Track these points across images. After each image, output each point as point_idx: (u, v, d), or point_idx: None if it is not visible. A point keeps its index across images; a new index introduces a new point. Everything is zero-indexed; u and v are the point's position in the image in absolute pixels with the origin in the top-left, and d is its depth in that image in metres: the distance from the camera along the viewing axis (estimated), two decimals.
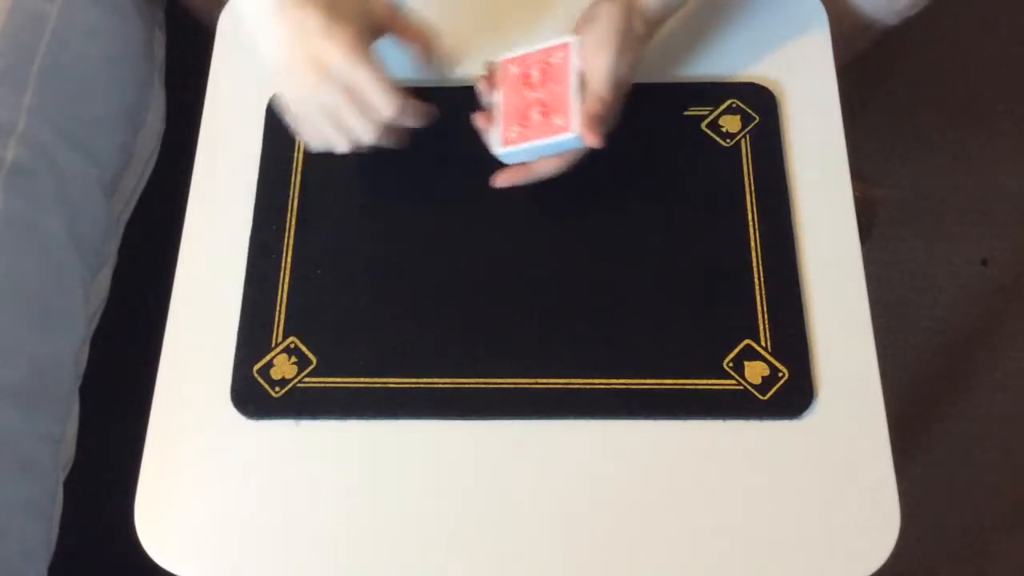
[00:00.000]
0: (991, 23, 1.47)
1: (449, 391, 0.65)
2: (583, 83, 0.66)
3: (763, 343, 0.66)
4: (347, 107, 0.62)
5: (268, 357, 0.67)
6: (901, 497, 0.62)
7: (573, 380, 0.65)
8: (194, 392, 0.66)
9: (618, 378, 0.65)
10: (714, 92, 0.75)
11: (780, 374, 0.65)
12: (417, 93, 0.68)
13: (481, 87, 0.71)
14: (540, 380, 0.65)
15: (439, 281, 0.69)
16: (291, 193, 0.73)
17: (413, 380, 0.65)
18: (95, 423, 0.87)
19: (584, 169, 0.73)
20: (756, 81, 0.76)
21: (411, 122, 0.66)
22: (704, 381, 0.65)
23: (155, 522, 0.63)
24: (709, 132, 0.74)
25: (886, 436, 0.63)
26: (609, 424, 0.64)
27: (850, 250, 0.69)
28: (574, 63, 0.66)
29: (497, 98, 0.69)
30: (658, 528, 0.62)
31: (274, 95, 0.76)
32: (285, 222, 0.71)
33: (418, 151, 0.70)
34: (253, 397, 0.66)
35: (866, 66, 1.40)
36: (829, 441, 0.64)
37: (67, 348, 0.82)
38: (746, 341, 0.66)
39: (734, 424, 0.64)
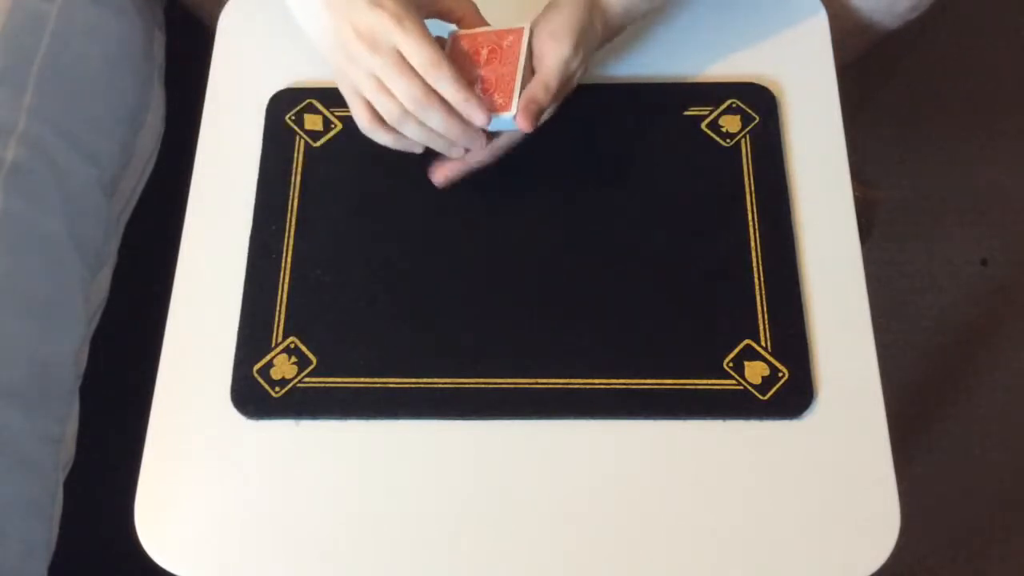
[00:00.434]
0: (991, 24, 1.47)
1: (449, 391, 0.65)
2: (532, 69, 0.66)
3: (763, 343, 0.66)
4: (395, 71, 0.61)
5: (268, 357, 0.67)
6: (901, 497, 0.62)
7: (573, 380, 0.65)
8: (194, 392, 0.66)
9: (618, 378, 0.65)
10: (714, 92, 0.75)
11: (780, 374, 0.65)
12: None
13: None
14: (540, 380, 0.65)
15: (439, 281, 0.69)
16: (291, 193, 0.73)
17: (413, 380, 0.65)
18: (95, 423, 0.87)
19: (584, 169, 0.73)
20: (756, 81, 0.76)
21: (470, 110, 0.63)
22: (704, 381, 0.65)
23: (155, 522, 0.63)
24: (709, 132, 0.74)
25: (886, 436, 0.63)
26: (609, 424, 0.64)
27: (850, 250, 0.69)
28: (524, 49, 0.66)
29: None
30: (658, 528, 0.62)
31: (274, 94, 0.76)
32: (285, 222, 0.71)
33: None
34: (253, 397, 0.66)
35: (866, 66, 1.40)
36: (829, 441, 0.64)
37: (67, 348, 0.82)
38: (746, 341, 0.66)
39: (734, 424, 0.64)
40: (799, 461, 0.63)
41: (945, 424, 1.22)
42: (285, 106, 0.76)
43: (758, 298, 0.67)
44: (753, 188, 0.71)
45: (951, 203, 1.34)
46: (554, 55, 0.64)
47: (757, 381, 0.65)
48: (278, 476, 0.64)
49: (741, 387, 0.65)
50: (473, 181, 0.72)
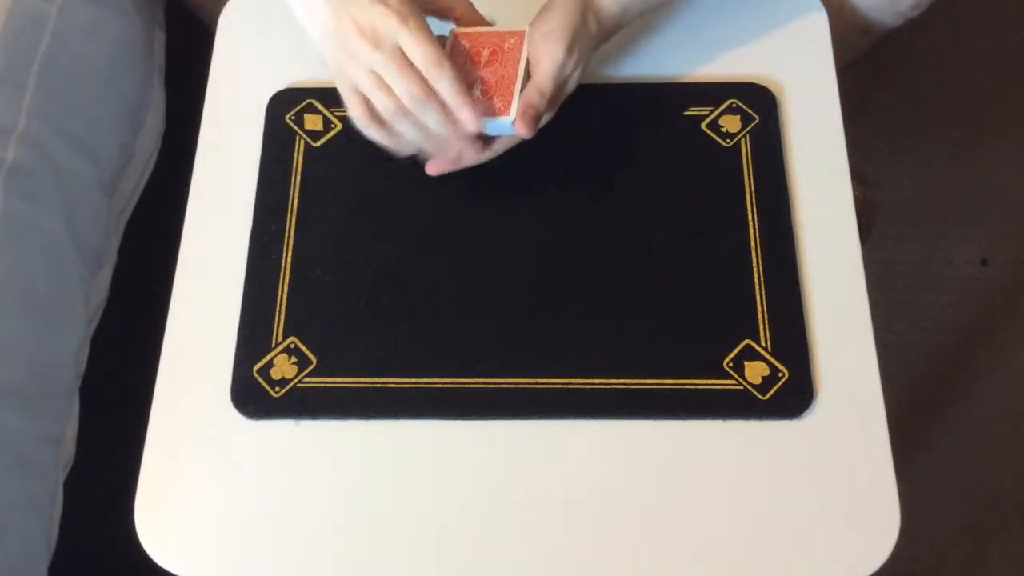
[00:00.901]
0: (991, 23, 1.47)
1: (449, 391, 0.65)
2: (528, 72, 0.66)
3: (763, 343, 0.66)
4: (396, 68, 0.61)
5: (268, 357, 0.67)
6: (901, 497, 0.62)
7: (573, 380, 0.65)
8: (194, 392, 0.66)
9: (618, 378, 0.65)
10: (714, 92, 0.75)
11: (780, 374, 0.65)
12: None
13: None
14: (540, 380, 0.65)
15: (439, 281, 0.69)
16: (291, 193, 0.73)
17: (413, 380, 0.65)
18: (95, 423, 0.87)
19: (585, 169, 0.73)
20: (756, 81, 0.76)
21: (464, 114, 0.63)
22: (704, 381, 0.65)
23: (155, 522, 0.63)
24: (709, 132, 0.74)
25: (886, 436, 0.63)
26: (609, 424, 0.64)
27: (850, 250, 0.69)
28: (525, 52, 0.67)
29: None
30: (658, 528, 0.62)
31: (274, 94, 0.76)
32: (285, 222, 0.71)
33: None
34: (253, 397, 0.66)
35: (866, 66, 1.40)
36: (829, 441, 0.64)
37: (67, 348, 0.82)
38: (746, 341, 0.66)
39: (734, 424, 0.64)
40: (799, 461, 0.63)
41: (945, 424, 1.22)
42: (285, 106, 0.76)
43: (758, 298, 0.67)
44: (753, 188, 0.71)
45: (951, 203, 1.34)
46: (548, 59, 0.65)
47: (757, 381, 0.65)
48: (278, 476, 0.64)
49: (741, 387, 0.65)
50: (473, 181, 0.72)
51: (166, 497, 0.64)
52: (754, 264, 0.69)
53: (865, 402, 0.65)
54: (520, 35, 0.68)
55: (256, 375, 0.66)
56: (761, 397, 0.64)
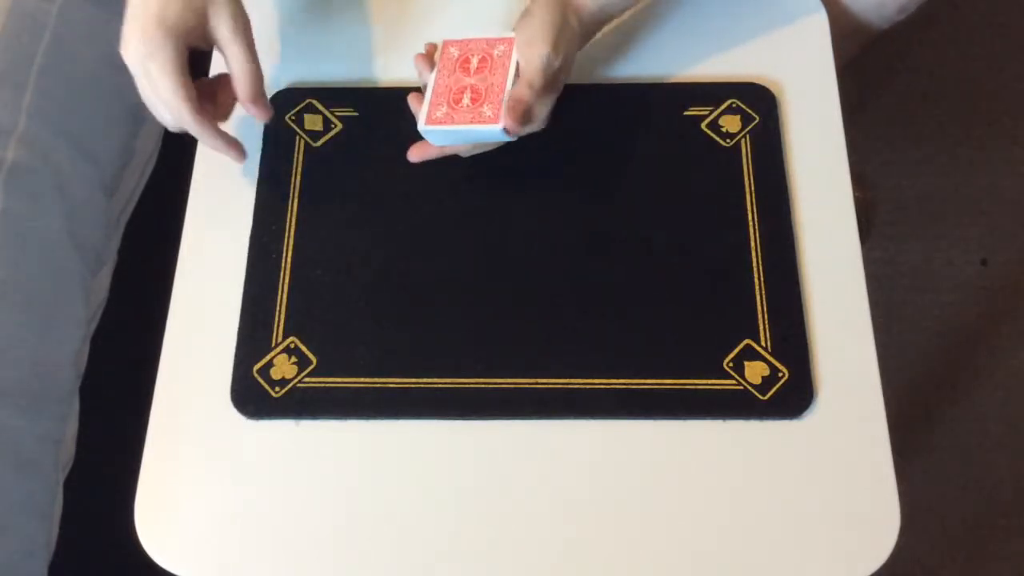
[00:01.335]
0: (991, 23, 1.47)
1: (449, 391, 0.65)
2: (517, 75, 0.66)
3: (763, 343, 0.66)
4: (151, 96, 0.65)
5: (268, 357, 0.67)
6: (901, 497, 0.62)
7: (573, 380, 0.65)
8: (194, 392, 0.66)
9: (618, 378, 0.65)
10: (714, 92, 0.75)
11: (780, 374, 0.65)
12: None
13: (417, 64, 0.71)
14: (540, 380, 0.65)
15: (439, 281, 0.69)
16: (291, 193, 0.73)
17: (413, 380, 0.65)
18: (95, 423, 0.87)
19: (585, 169, 0.73)
20: (756, 81, 0.76)
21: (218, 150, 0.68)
22: (704, 381, 0.65)
23: (155, 522, 0.63)
24: (709, 132, 0.74)
25: (886, 436, 0.63)
26: (609, 424, 0.64)
27: (850, 250, 0.69)
28: (515, 59, 0.67)
29: (430, 76, 0.69)
30: (658, 528, 0.62)
31: (274, 94, 0.76)
32: (285, 222, 0.71)
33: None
34: (253, 397, 0.66)
35: (866, 66, 1.40)
36: (829, 441, 0.64)
37: (67, 348, 0.82)
38: (746, 341, 0.66)
39: (734, 424, 0.64)
40: (799, 461, 0.63)
41: (945, 424, 1.22)
42: (285, 106, 0.76)
43: (758, 298, 0.67)
44: (753, 188, 0.71)
45: (951, 203, 1.34)
46: (535, 57, 0.65)
47: (757, 381, 0.65)
48: (278, 476, 0.64)
49: (741, 387, 0.65)
50: (474, 182, 0.72)
51: (166, 497, 0.64)
52: (754, 264, 0.69)
53: (865, 402, 0.65)
54: (509, 42, 0.68)
55: (256, 375, 0.66)
56: (761, 397, 0.64)
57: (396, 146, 0.71)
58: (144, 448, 0.65)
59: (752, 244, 0.69)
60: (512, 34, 0.68)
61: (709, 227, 0.70)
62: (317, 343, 0.67)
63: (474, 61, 0.68)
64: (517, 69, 0.67)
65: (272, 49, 0.79)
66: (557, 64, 0.65)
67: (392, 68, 0.78)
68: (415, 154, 0.71)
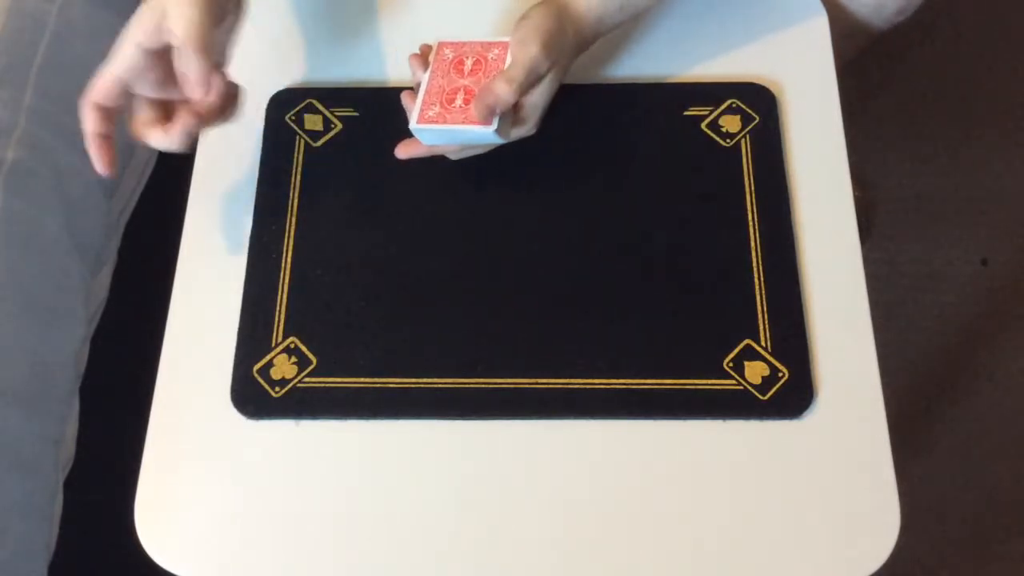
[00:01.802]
0: (991, 23, 1.47)
1: (449, 391, 0.65)
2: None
3: (763, 343, 0.66)
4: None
5: (268, 357, 0.67)
6: (901, 497, 0.62)
7: (573, 380, 0.65)
8: (194, 392, 0.66)
9: (618, 378, 0.65)
10: (714, 92, 0.75)
11: (780, 374, 0.65)
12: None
13: (411, 64, 0.71)
14: (540, 380, 0.65)
15: (439, 281, 0.69)
16: (291, 193, 0.73)
17: (413, 380, 0.65)
18: (95, 423, 0.87)
19: (585, 169, 0.73)
20: (756, 81, 0.76)
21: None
22: (704, 381, 0.65)
23: (155, 522, 0.63)
24: (709, 132, 0.74)
25: (886, 436, 0.63)
26: (609, 424, 0.64)
27: (850, 250, 0.69)
28: (508, 62, 0.67)
29: (424, 76, 0.69)
30: (658, 528, 0.62)
31: (274, 94, 0.76)
32: (285, 222, 0.71)
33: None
34: (253, 397, 0.66)
35: (866, 66, 1.40)
36: (829, 441, 0.64)
37: (67, 348, 0.82)
38: (746, 341, 0.66)
39: (734, 424, 0.64)
40: (799, 461, 0.63)
41: (945, 424, 1.22)
42: (285, 106, 0.76)
43: (758, 298, 0.67)
44: (753, 188, 0.71)
45: (951, 203, 1.34)
46: (522, 56, 0.65)
47: (757, 381, 0.65)
48: (278, 476, 0.64)
49: (741, 387, 0.65)
50: (473, 182, 0.72)
51: (166, 497, 0.64)
52: (754, 264, 0.69)
53: (865, 402, 0.65)
54: (504, 45, 0.68)
55: (256, 375, 0.66)
56: (761, 397, 0.64)
57: (396, 146, 0.71)
58: (144, 448, 0.65)
59: (752, 244, 0.69)
60: (508, 39, 0.68)
61: (709, 227, 0.70)
62: (317, 343, 0.67)
63: (468, 63, 0.68)
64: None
65: (272, 49, 0.79)
66: (544, 67, 0.65)
67: (392, 68, 0.78)
68: (403, 151, 0.71)
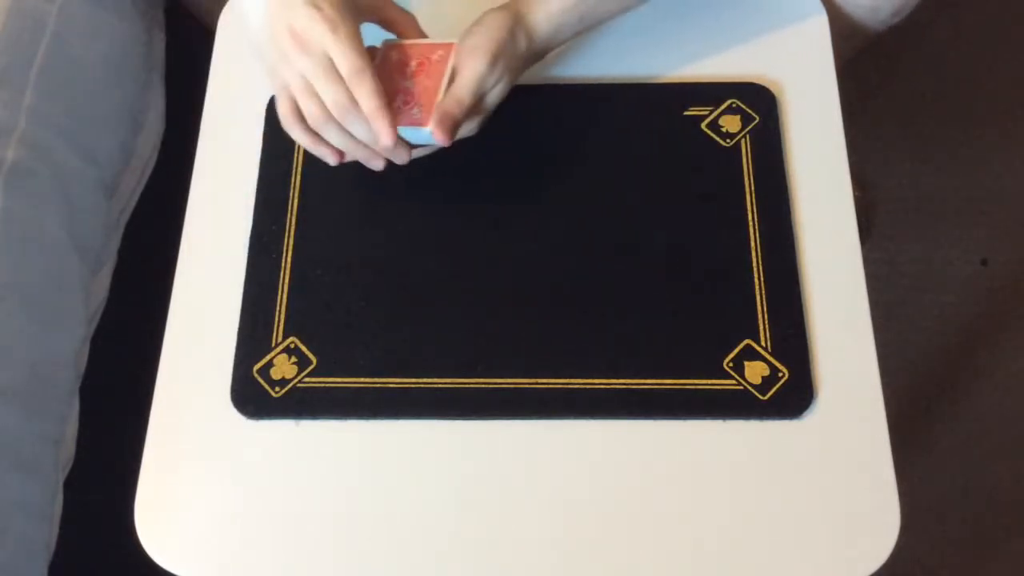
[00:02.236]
0: (991, 23, 1.47)
1: (449, 391, 0.65)
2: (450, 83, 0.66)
3: (763, 343, 0.66)
4: (323, 75, 0.61)
5: (268, 357, 0.67)
6: (901, 497, 0.62)
7: (573, 380, 0.65)
8: (194, 392, 0.66)
9: (618, 378, 0.65)
10: (714, 92, 0.75)
11: (780, 374, 0.65)
12: None
13: None
14: (540, 380, 0.65)
15: (439, 281, 0.69)
16: (291, 193, 0.73)
17: (413, 380, 0.65)
18: (95, 423, 0.87)
19: (585, 169, 0.73)
20: (756, 81, 0.76)
21: (380, 125, 0.62)
22: (704, 381, 0.65)
23: (155, 522, 0.63)
24: (709, 132, 0.74)
25: (886, 436, 0.63)
26: (609, 424, 0.64)
27: (850, 250, 0.69)
28: (451, 64, 0.67)
29: None
30: (658, 528, 0.62)
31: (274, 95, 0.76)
32: (285, 222, 0.71)
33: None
34: (253, 397, 0.66)
35: (866, 66, 1.40)
36: (829, 441, 0.64)
37: (67, 348, 0.82)
38: (746, 341, 0.66)
39: (734, 424, 0.64)
40: (799, 461, 0.63)
41: (945, 424, 1.22)
42: None
43: (758, 298, 0.67)
44: (753, 188, 0.71)
45: (951, 203, 1.34)
46: (469, 70, 0.64)
47: (757, 381, 0.65)
48: (278, 476, 0.64)
49: (741, 387, 0.65)
50: (473, 182, 0.72)
51: (166, 497, 0.64)
52: (754, 264, 0.69)
53: (865, 402, 0.65)
54: (449, 47, 0.68)
55: (256, 375, 0.66)
56: (761, 397, 0.64)
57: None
58: (144, 448, 0.65)
59: (752, 244, 0.69)
60: (453, 40, 0.67)
61: (709, 227, 0.70)
62: (317, 343, 0.67)
63: (412, 65, 0.68)
64: (452, 75, 0.66)
65: None
66: (491, 82, 0.65)
67: None
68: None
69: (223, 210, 0.73)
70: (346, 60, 0.60)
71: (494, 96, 0.67)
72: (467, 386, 0.65)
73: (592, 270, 0.69)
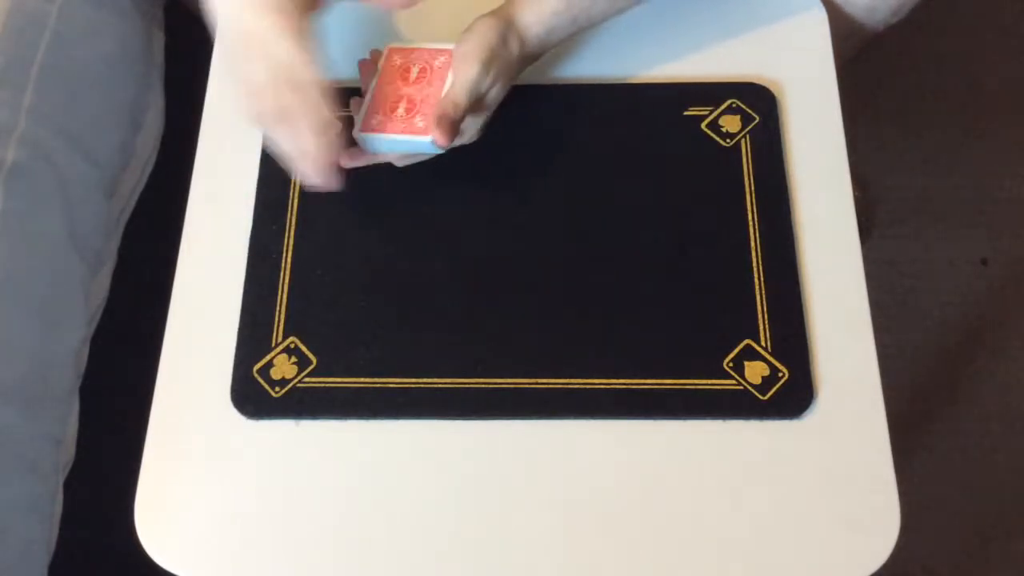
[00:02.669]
0: (991, 23, 1.47)
1: (449, 391, 0.65)
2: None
3: (763, 343, 0.66)
4: (271, 82, 0.60)
5: (268, 357, 0.67)
6: (901, 497, 0.62)
7: (573, 380, 0.65)
8: (194, 392, 0.66)
9: (618, 378, 0.65)
10: (714, 92, 0.75)
11: (780, 374, 0.65)
12: None
13: (360, 69, 0.71)
14: (540, 380, 0.65)
15: (439, 281, 0.69)
16: (291, 193, 0.73)
17: (413, 380, 0.65)
18: (95, 423, 0.87)
19: (585, 169, 0.73)
20: (756, 81, 0.76)
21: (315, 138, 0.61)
22: (704, 381, 0.65)
23: (155, 522, 0.63)
24: (709, 132, 0.74)
25: (886, 436, 0.63)
26: (609, 424, 0.64)
27: (850, 250, 0.69)
28: (452, 73, 0.67)
29: (372, 82, 0.70)
30: (658, 528, 0.62)
31: None
32: (285, 222, 0.71)
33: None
34: (253, 397, 0.66)
35: (866, 66, 1.40)
36: (829, 441, 0.64)
37: (67, 348, 0.82)
38: (746, 341, 0.66)
39: (734, 424, 0.64)
40: (799, 461, 0.63)
41: (945, 424, 1.22)
42: None
43: (758, 298, 0.67)
44: (753, 188, 0.71)
45: (951, 203, 1.34)
46: (464, 74, 0.65)
47: (757, 381, 0.65)
48: (278, 476, 0.64)
49: (741, 387, 0.65)
50: (473, 182, 0.72)
51: (166, 497, 0.64)
52: (754, 264, 0.69)
53: (865, 402, 0.65)
54: (450, 53, 0.68)
55: (256, 375, 0.66)
56: (761, 397, 0.64)
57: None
58: (144, 448, 0.65)
59: (752, 244, 0.69)
60: (454, 45, 0.68)
61: (709, 227, 0.70)
62: (317, 343, 0.67)
63: (414, 71, 0.68)
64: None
65: None
66: (486, 85, 0.66)
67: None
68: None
69: (223, 210, 0.73)
70: (289, 69, 0.60)
71: (490, 99, 0.67)
72: (467, 386, 0.65)
73: (592, 270, 0.69)
